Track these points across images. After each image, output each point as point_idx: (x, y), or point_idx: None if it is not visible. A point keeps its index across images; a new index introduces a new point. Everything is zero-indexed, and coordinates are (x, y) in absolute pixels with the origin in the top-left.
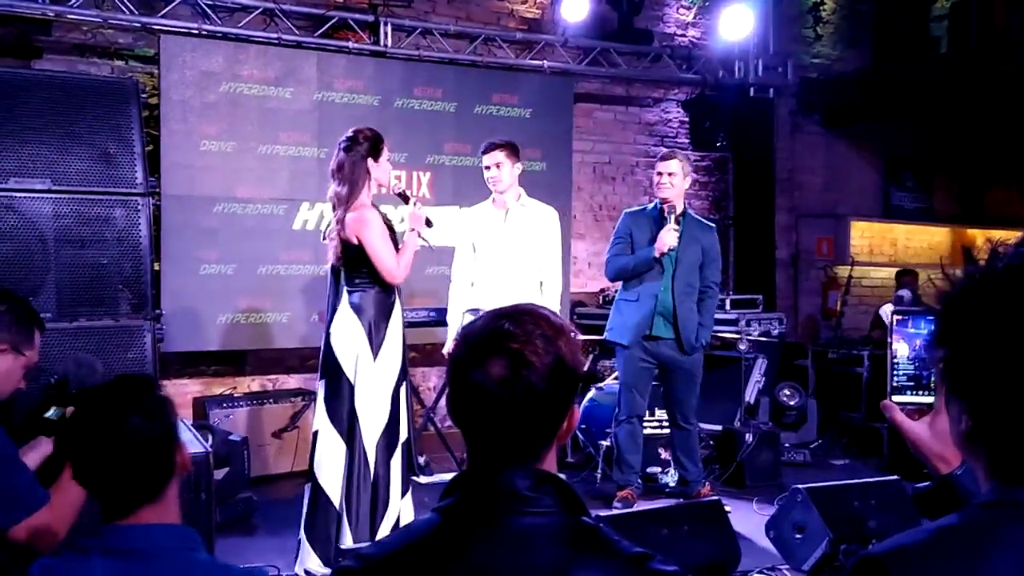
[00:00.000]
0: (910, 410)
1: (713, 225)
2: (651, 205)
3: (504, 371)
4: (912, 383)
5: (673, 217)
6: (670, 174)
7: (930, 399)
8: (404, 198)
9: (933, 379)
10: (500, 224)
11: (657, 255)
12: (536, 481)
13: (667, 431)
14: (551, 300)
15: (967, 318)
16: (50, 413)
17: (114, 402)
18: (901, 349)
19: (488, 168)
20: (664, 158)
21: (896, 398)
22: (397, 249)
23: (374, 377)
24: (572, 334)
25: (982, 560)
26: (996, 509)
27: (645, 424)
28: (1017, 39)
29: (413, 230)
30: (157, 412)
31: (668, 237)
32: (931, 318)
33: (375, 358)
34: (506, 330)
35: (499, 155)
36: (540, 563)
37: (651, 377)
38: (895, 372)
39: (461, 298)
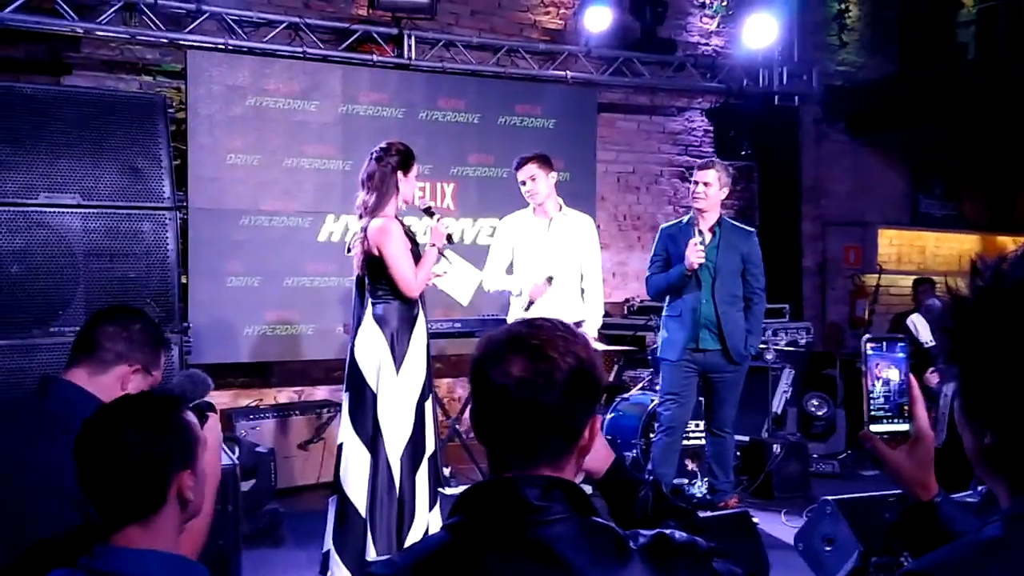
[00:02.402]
0: (885, 439)
1: (752, 230)
2: (686, 218)
3: (525, 367)
4: (890, 412)
5: (697, 230)
6: (706, 184)
7: (906, 427)
8: (429, 212)
9: (906, 407)
10: (544, 233)
11: (688, 271)
12: (545, 489)
13: (695, 442)
14: (594, 308)
15: (982, 334)
16: None
17: (121, 412)
18: (892, 375)
19: (524, 183)
20: (702, 167)
21: (873, 427)
22: (418, 262)
23: (397, 389)
24: (592, 346)
25: None
26: None
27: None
28: None
29: (434, 245)
30: (157, 432)
31: (692, 253)
32: (902, 343)
33: (398, 370)
34: (526, 332)
35: (532, 168)
36: (563, 572)
37: (695, 387)
38: (872, 400)
39: (496, 269)
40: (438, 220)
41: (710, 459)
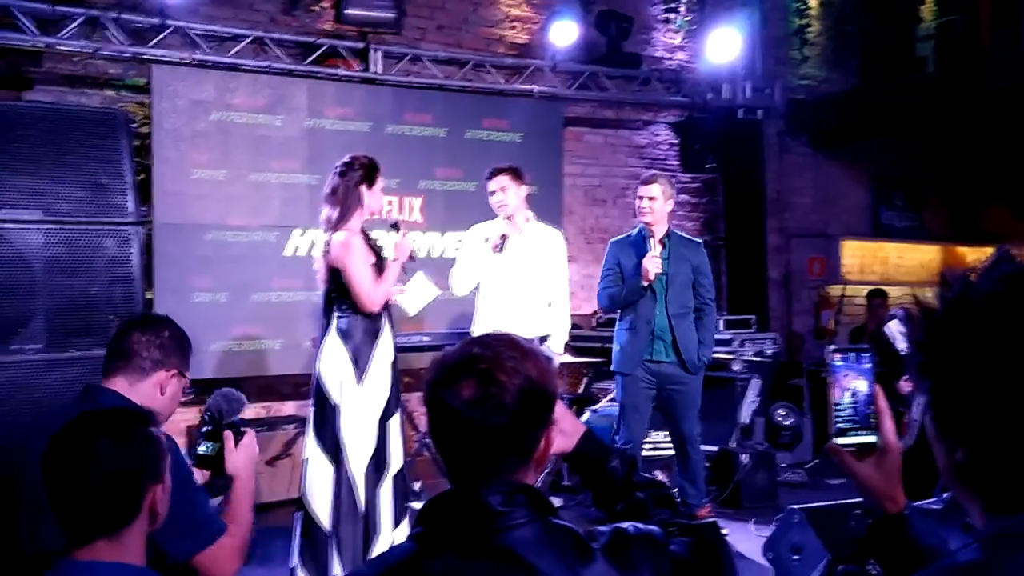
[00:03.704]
0: (852, 451)
1: (700, 242)
2: (635, 231)
3: (474, 391)
4: (857, 423)
5: (653, 242)
6: (651, 198)
7: (873, 439)
8: (395, 227)
9: (873, 419)
10: (513, 242)
11: (644, 284)
12: (507, 494)
13: (665, 452)
14: (561, 320)
15: (953, 348)
16: (205, 449)
17: (94, 424)
18: (860, 386)
19: (493, 193)
20: (645, 182)
21: (840, 439)
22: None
23: (359, 403)
24: (544, 359)
25: None
26: (1005, 542)
27: (643, 445)
28: (1003, 58)
29: (397, 259)
30: (134, 446)
31: (651, 264)
32: (868, 353)
33: (360, 384)
34: (475, 354)
35: (504, 179)
36: (528, 574)
37: (651, 400)
38: (839, 412)
39: (466, 271)
40: (403, 235)
41: (681, 478)
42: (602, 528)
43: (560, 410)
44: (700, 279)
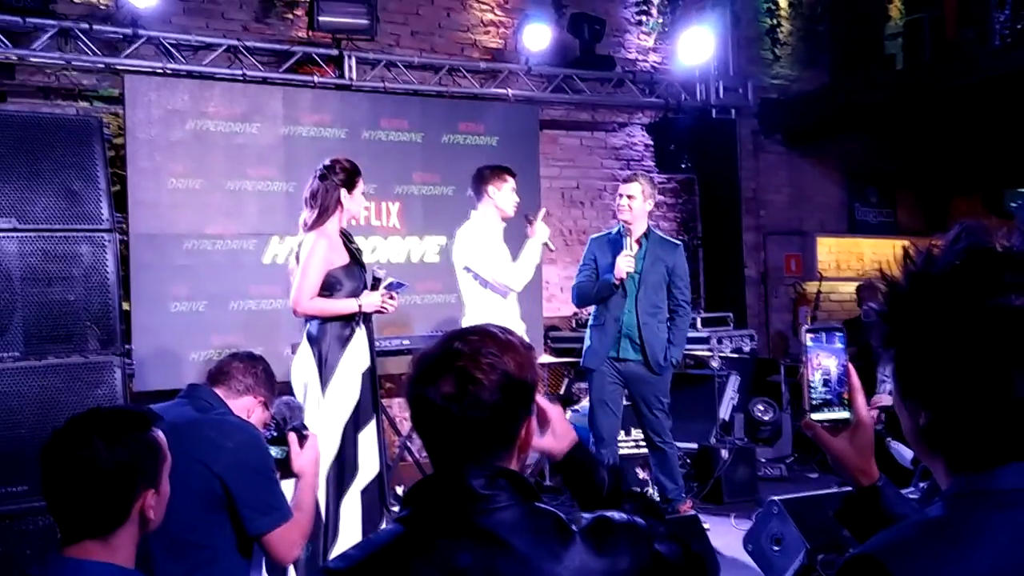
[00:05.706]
0: (826, 427)
1: (679, 243)
2: (615, 229)
3: (452, 388)
4: (831, 400)
5: (628, 242)
6: (630, 196)
7: (846, 415)
8: (375, 284)
9: (846, 396)
10: (500, 242)
11: (616, 281)
12: (490, 478)
13: (645, 450)
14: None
15: (915, 318)
16: (275, 453)
17: (92, 424)
18: (832, 364)
19: (514, 189)
20: (626, 181)
21: (815, 416)
22: (359, 279)
23: (322, 408)
24: (524, 349)
25: (969, 550)
26: (968, 499)
27: (622, 444)
28: (969, 53)
29: (360, 306)
30: (127, 449)
31: (623, 263)
32: (840, 333)
33: (324, 390)
34: (455, 349)
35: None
36: (508, 556)
37: (620, 396)
38: (812, 390)
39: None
40: (382, 295)
41: (658, 473)
42: (586, 514)
43: (556, 414)
44: (675, 280)
